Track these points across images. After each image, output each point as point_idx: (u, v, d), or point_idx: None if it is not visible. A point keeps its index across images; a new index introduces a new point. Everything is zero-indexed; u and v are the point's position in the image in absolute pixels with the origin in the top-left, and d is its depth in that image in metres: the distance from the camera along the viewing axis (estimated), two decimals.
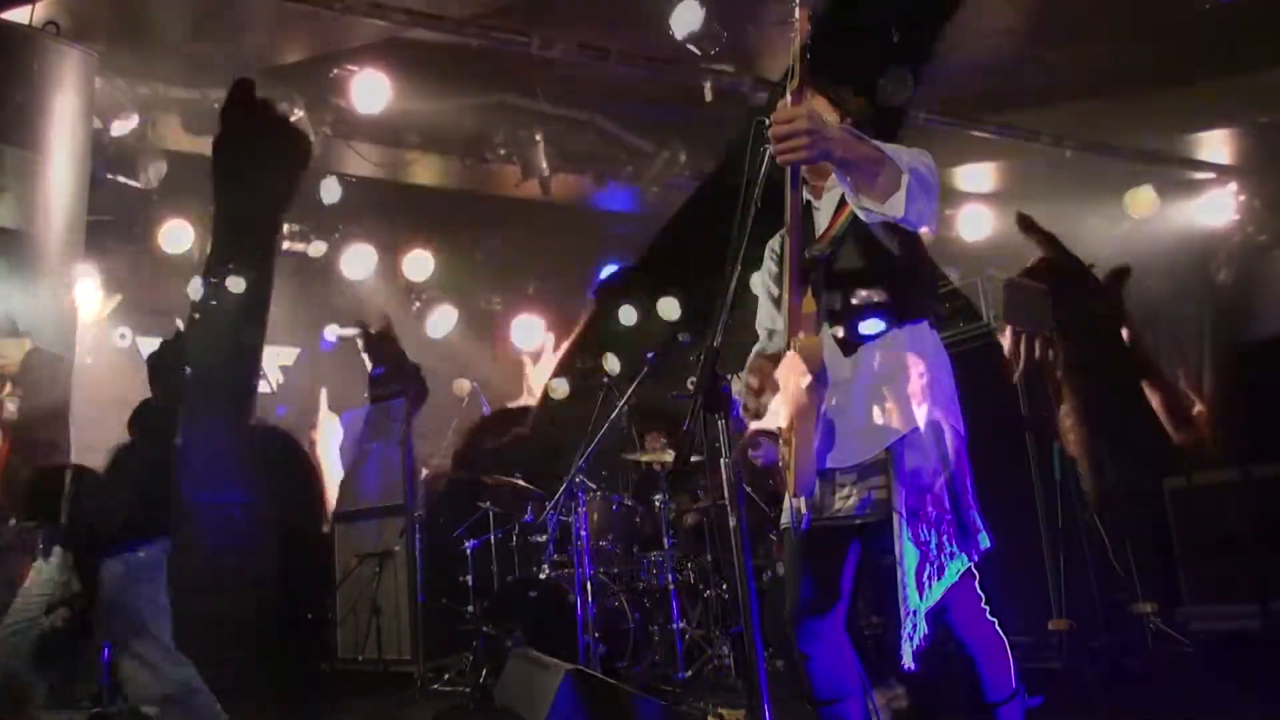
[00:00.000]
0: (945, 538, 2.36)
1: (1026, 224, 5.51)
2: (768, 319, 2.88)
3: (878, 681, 4.53)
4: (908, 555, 2.36)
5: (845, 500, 2.48)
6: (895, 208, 2.25)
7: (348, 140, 6.39)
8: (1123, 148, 6.18)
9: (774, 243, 2.86)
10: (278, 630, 8.11)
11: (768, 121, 2.30)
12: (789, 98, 2.23)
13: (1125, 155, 6.24)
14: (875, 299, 2.49)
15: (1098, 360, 5.96)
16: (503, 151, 6.53)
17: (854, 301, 2.50)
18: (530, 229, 7.56)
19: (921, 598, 2.33)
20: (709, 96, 5.49)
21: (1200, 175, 6.39)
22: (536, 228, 7.53)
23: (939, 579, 2.34)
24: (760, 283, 2.88)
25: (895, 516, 2.38)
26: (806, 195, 2.65)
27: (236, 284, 7.53)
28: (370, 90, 5.70)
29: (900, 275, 2.52)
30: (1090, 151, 6.21)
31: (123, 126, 5.91)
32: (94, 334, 7.17)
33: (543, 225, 7.47)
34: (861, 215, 2.35)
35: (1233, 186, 6.29)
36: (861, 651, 2.63)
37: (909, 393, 2.47)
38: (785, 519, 2.60)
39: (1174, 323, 6.18)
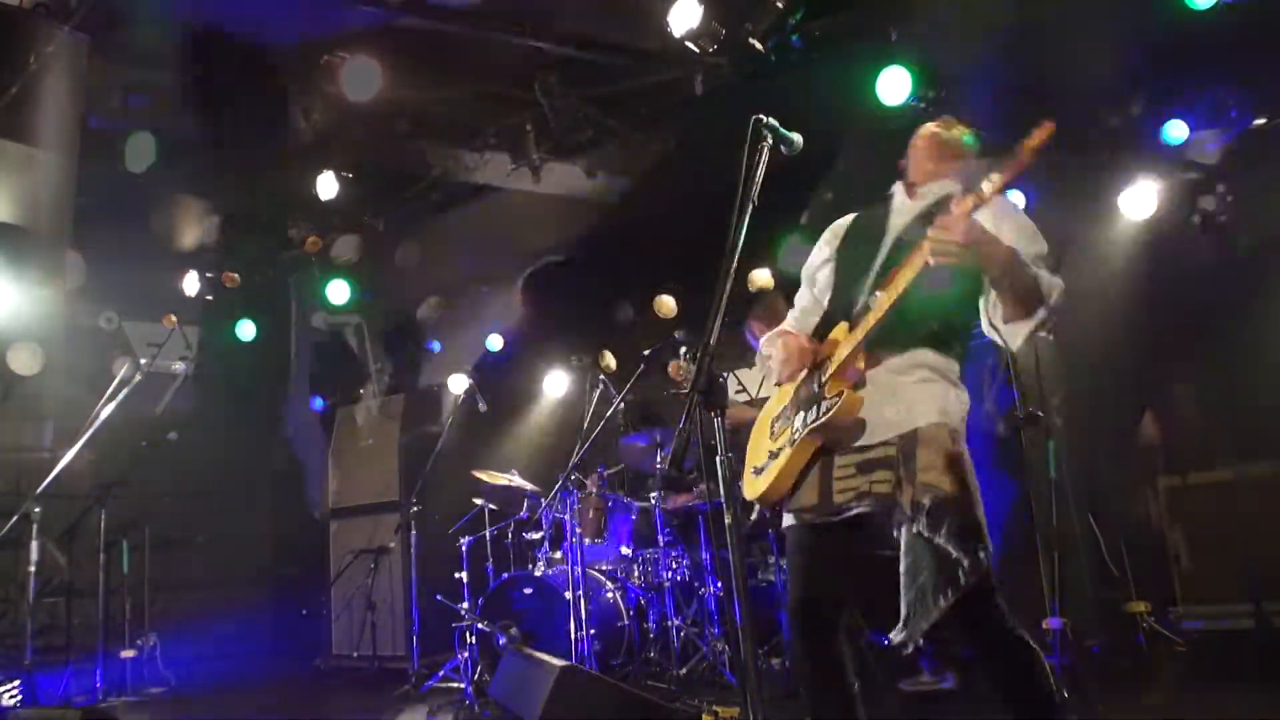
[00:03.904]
0: (951, 536, 2.33)
1: None
2: (808, 299, 2.90)
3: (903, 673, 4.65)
4: (912, 551, 2.37)
5: (843, 495, 2.48)
6: (1014, 338, 2.43)
7: (337, 127, 6.34)
8: (1114, 145, 6.17)
9: (838, 226, 2.87)
10: (273, 626, 8.12)
11: (765, 119, 2.31)
12: (968, 204, 2.24)
13: (1116, 152, 6.23)
14: (918, 338, 2.55)
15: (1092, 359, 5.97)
16: (493, 140, 6.51)
17: (898, 339, 2.54)
18: (520, 218, 7.53)
19: (926, 596, 2.33)
20: (699, 90, 5.48)
21: (1189, 175, 6.39)
22: (527, 217, 7.50)
23: (945, 577, 2.32)
24: (808, 265, 2.91)
25: (901, 511, 2.38)
26: (899, 192, 2.74)
27: (233, 280, 7.55)
28: (361, 77, 5.67)
29: (946, 318, 2.58)
30: (1081, 149, 6.20)
31: (113, 109, 5.87)
32: (78, 317, 7.17)
33: (533, 215, 7.44)
34: (985, 329, 2.50)
35: (1220, 188, 6.29)
36: (860, 645, 2.68)
37: (925, 392, 2.50)
38: (789, 519, 2.64)
39: (1160, 320, 6.19)
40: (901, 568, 2.39)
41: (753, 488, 2.72)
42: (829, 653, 2.54)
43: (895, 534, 2.42)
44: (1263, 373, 5.48)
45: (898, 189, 2.79)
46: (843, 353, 2.52)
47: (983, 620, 2.40)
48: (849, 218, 2.88)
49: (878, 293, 2.47)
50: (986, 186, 2.21)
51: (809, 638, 2.56)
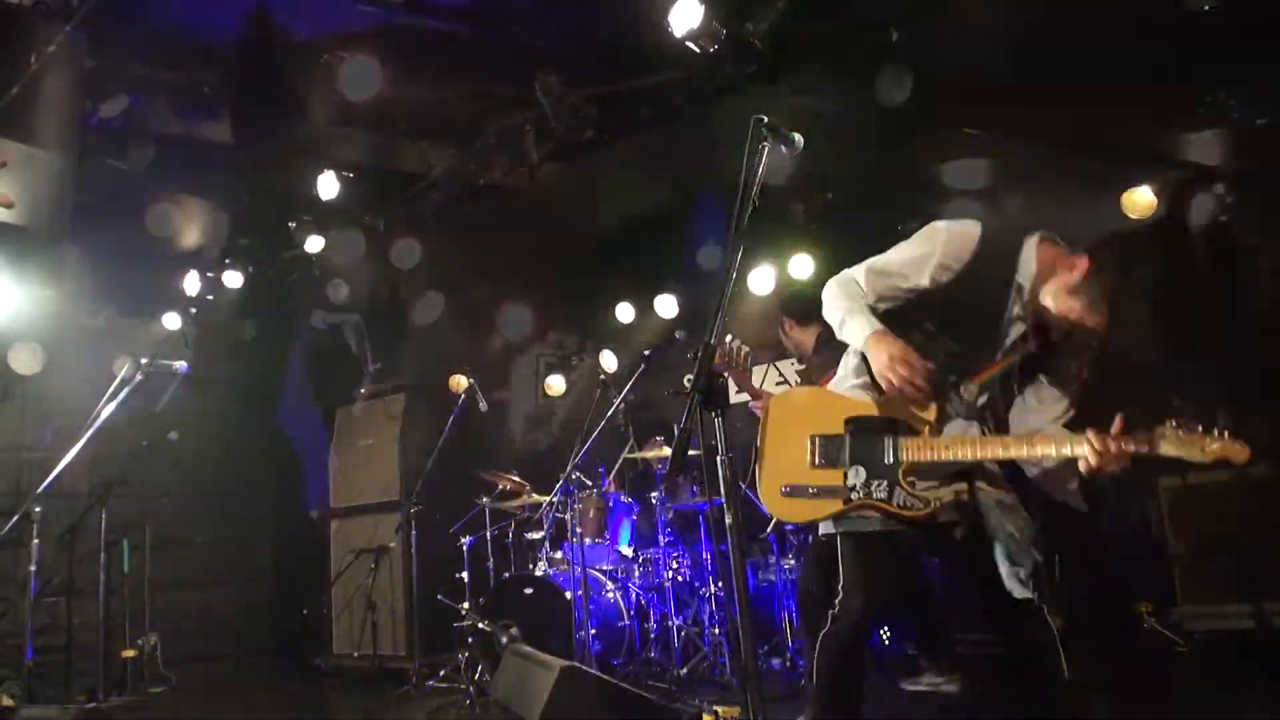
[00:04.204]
0: (1024, 537, 2.59)
1: None
2: (912, 272, 2.69)
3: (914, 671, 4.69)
4: (991, 524, 2.58)
5: (928, 505, 2.58)
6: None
7: (336, 126, 6.33)
8: (1115, 146, 6.17)
9: (959, 244, 2.65)
10: (273, 626, 8.12)
11: (765, 119, 2.32)
12: (1139, 449, 2.41)
13: (1117, 153, 6.23)
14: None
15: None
16: (493, 140, 6.50)
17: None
18: (520, 218, 7.53)
19: (1021, 547, 2.57)
20: (699, 90, 5.47)
21: (1190, 176, 6.38)
22: (526, 217, 7.50)
23: (1021, 566, 2.58)
24: (920, 253, 2.69)
25: (977, 507, 2.59)
26: (1023, 272, 2.69)
27: (234, 278, 7.55)
28: (361, 77, 5.66)
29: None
30: (1082, 150, 6.20)
31: (111, 108, 5.86)
32: (78, 317, 7.17)
33: (532, 215, 7.44)
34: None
35: (1220, 187, 6.29)
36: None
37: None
38: (828, 528, 2.71)
39: (1159, 320, 6.19)
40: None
41: (783, 510, 2.72)
42: (864, 652, 2.76)
43: (957, 531, 2.61)
44: (1262, 373, 5.48)
45: (1027, 257, 2.66)
46: (939, 454, 2.54)
47: (1006, 596, 2.59)
48: (971, 236, 2.63)
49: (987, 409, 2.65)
50: (1164, 448, 2.39)
51: (860, 636, 2.72)
